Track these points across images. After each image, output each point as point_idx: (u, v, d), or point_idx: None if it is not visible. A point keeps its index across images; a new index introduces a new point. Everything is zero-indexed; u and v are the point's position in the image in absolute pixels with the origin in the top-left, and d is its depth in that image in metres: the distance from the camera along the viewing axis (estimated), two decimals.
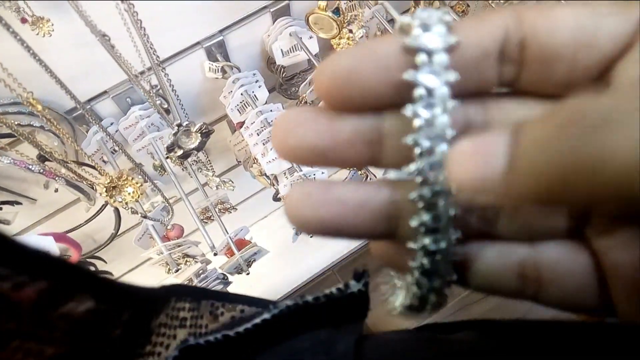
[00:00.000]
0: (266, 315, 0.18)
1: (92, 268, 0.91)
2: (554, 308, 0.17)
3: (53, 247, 0.51)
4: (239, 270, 0.77)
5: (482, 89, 0.15)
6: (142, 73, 0.53)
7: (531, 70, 0.15)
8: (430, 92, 0.14)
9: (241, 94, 0.70)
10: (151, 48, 0.42)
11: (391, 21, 0.79)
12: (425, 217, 0.15)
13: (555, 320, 0.17)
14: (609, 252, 0.15)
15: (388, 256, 0.18)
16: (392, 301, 0.17)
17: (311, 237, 0.92)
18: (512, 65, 0.15)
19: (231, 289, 0.78)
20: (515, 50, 0.14)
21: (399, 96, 0.14)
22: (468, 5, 0.81)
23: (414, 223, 0.15)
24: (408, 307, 0.17)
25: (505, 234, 0.17)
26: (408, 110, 0.14)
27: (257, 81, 0.72)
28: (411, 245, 0.15)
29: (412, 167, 0.15)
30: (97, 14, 0.47)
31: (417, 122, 0.14)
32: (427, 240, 0.15)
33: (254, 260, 0.77)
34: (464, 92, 0.15)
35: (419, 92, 0.14)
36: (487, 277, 0.17)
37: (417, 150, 0.14)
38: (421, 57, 0.14)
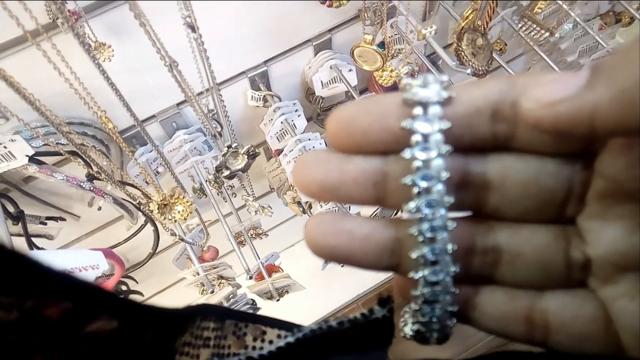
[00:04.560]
0: (290, 339, 0.18)
1: (124, 287, 0.93)
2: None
3: (103, 261, 0.52)
4: (269, 296, 0.77)
5: (479, 144, 0.16)
6: (199, 94, 0.55)
7: (525, 129, 0.16)
8: (425, 137, 0.15)
9: (281, 122, 0.72)
10: (212, 74, 0.44)
11: (430, 55, 0.81)
12: (425, 249, 0.16)
13: (581, 354, 0.17)
14: (614, 301, 0.16)
15: (399, 286, 0.19)
16: (403, 327, 0.18)
17: (342, 266, 0.92)
18: (506, 124, 0.16)
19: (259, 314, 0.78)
20: (509, 111, 0.15)
21: (398, 144, 0.16)
22: (505, 44, 0.82)
23: (414, 255, 0.16)
24: (416, 333, 0.18)
25: (507, 281, 0.18)
26: (406, 153, 0.15)
27: (296, 110, 0.74)
28: (412, 275, 0.17)
29: (412, 204, 0.16)
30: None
31: (415, 164, 0.15)
32: (426, 272, 0.16)
33: (287, 292, 0.77)
34: (462, 146, 0.16)
35: (415, 138, 0.15)
36: (495, 320, 0.18)
37: (415, 190, 0.16)
38: (417, 109, 0.15)
